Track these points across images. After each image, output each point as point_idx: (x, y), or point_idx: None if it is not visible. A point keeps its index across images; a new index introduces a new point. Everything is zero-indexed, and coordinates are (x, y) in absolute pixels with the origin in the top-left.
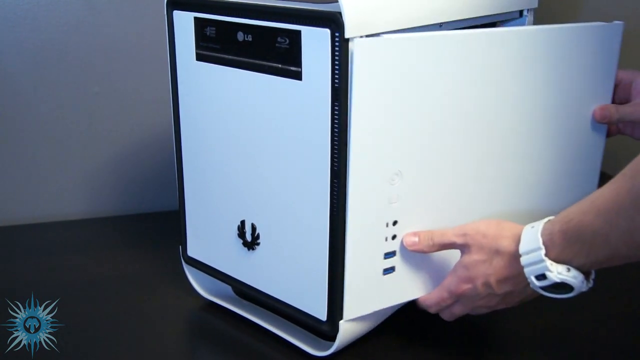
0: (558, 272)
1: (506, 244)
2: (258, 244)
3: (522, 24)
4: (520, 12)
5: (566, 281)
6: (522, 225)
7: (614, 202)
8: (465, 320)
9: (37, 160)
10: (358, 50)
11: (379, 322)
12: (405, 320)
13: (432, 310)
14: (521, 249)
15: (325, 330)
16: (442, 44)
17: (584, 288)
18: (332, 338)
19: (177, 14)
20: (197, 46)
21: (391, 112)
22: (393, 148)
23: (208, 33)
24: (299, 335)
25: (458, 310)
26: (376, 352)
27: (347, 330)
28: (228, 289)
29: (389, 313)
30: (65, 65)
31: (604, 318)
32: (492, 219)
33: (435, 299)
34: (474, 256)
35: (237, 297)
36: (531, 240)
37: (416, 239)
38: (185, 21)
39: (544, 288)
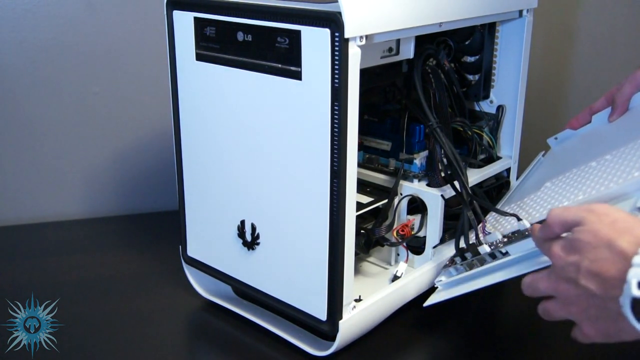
0: None
1: (625, 242)
2: (258, 244)
3: (522, 24)
4: (520, 12)
5: None
6: None
7: None
8: (465, 321)
9: (37, 160)
10: None
11: (379, 322)
12: (405, 320)
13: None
14: None
15: (325, 330)
16: None
17: None
18: (332, 338)
19: (177, 14)
20: (197, 46)
21: None
22: None
23: (208, 33)
24: (299, 335)
25: (543, 286)
26: (376, 352)
27: (347, 330)
28: (228, 289)
29: (389, 313)
30: (65, 65)
31: None
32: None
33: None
34: (585, 237)
35: (237, 297)
36: None
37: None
38: (185, 21)
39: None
